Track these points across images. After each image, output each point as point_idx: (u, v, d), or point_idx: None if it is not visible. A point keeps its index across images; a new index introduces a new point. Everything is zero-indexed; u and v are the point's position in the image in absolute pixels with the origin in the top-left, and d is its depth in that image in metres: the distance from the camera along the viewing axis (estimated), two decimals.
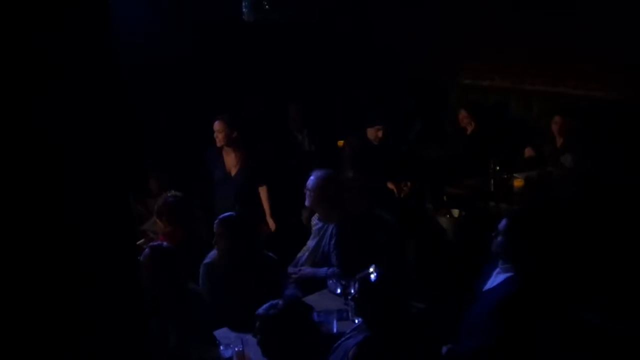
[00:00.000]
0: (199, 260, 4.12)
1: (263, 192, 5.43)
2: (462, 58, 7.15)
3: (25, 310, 1.53)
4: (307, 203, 4.53)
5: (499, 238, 3.49)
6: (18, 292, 1.52)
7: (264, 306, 2.99)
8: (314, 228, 4.62)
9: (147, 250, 3.83)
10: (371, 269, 3.17)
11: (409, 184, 5.82)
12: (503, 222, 3.53)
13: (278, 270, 4.20)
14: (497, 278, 3.54)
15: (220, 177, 5.54)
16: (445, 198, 5.91)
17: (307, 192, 4.50)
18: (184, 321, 3.61)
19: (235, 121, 5.41)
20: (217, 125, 5.39)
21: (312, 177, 4.52)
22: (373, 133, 5.92)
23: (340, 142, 6.20)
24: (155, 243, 4.28)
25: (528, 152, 6.10)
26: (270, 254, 4.21)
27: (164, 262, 3.70)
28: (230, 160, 5.48)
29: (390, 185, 5.75)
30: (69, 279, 1.63)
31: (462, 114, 6.57)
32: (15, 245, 1.50)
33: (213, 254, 4.10)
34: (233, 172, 5.49)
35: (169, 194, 4.48)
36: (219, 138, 5.38)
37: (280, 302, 3.01)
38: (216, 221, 4.06)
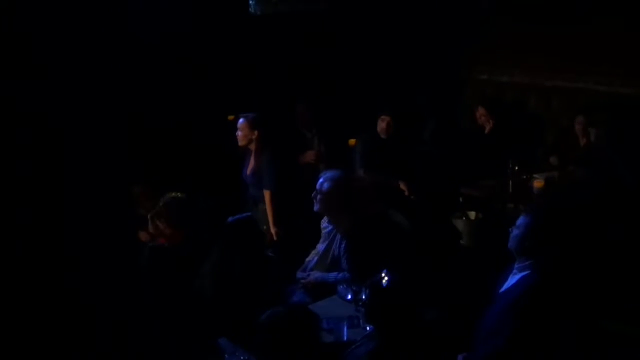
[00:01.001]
0: (201, 263, 4.14)
1: (267, 196, 5.44)
2: (479, 52, 7.14)
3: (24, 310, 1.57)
4: (316, 208, 4.52)
5: (516, 232, 3.48)
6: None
7: (265, 315, 2.94)
8: (324, 231, 4.63)
9: (146, 252, 3.86)
10: (383, 274, 3.16)
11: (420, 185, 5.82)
12: (521, 218, 3.53)
13: (279, 272, 4.21)
14: (512, 279, 3.54)
15: (242, 179, 5.61)
16: (461, 200, 5.90)
17: (317, 195, 4.49)
18: (185, 326, 3.63)
19: (259, 122, 5.42)
20: (238, 124, 5.44)
21: (322, 179, 4.51)
22: (379, 124, 5.94)
23: (352, 141, 6.20)
24: (155, 245, 4.31)
25: (553, 161, 6.08)
26: (271, 254, 4.22)
27: (164, 264, 3.72)
28: (251, 162, 5.52)
29: (402, 186, 5.75)
30: (66, 281, 1.66)
31: (480, 111, 6.55)
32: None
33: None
34: (248, 173, 5.56)
35: (168, 195, 4.48)
36: (239, 137, 5.44)
37: (283, 310, 2.98)
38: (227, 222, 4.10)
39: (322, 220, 4.68)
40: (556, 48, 6.57)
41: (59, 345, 3.74)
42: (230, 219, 4.17)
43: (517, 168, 5.79)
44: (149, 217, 4.50)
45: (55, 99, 5.41)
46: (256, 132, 5.42)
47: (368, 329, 3.63)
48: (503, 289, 3.57)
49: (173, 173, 6.08)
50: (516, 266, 3.54)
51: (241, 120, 5.47)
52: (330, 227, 4.56)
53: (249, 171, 5.57)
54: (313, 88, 6.84)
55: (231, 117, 6.47)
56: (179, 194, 4.50)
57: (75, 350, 3.52)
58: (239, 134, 5.47)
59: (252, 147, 5.48)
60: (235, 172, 5.88)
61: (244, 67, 6.80)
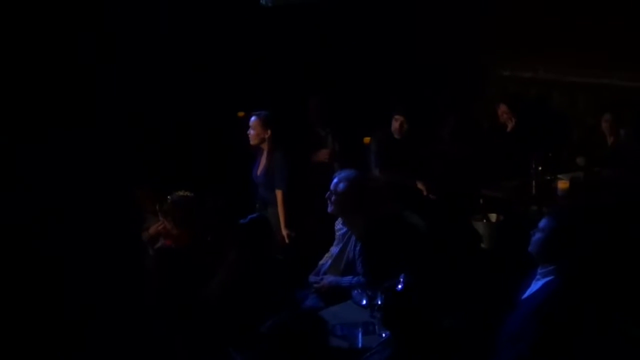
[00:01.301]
0: (209, 265, 4.15)
1: (278, 196, 5.44)
2: (502, 47, 7.11)
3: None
4: (329, 209, 4.52)
5: (538, 235, 3.46)
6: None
7: (269, 322, 2.96)
8: (337, 233, 4.63)
9: (152, 253, 3.88)
10: (399, 278, 3.16)
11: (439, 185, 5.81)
12: (544, 220, 3.51)
13: (289, 276, 4.22)
14: (535, 285, 3.53)
15: (251, 179, 5.65)
16: (481, 201, 5.88)
17: (331, 196, 4.49)
18: (192, 331, 3.64)
19: (272, 120, 5.43)
20: (250, 122, 5.45)
21: (336, 179, 4.51)
22: (393, 124, 5.94)
23: (367, 139, 6.20)
24: (161, 246, 4.33)
25: (580, 161, 6.05)
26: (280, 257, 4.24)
27: (170, 266, 3.73)
28: (262, 161, 5.54)
29: (420, 185, 5.73)
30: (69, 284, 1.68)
31: (502, 108, 6.53)
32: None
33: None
34: (259, 173, 5.57)
35: (175, 194, 4.50)
36: (251, 136, 5.46)
37: (287, 317, 2.97)
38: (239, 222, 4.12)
39: (336, 222, 4.68)
40: (582, 42, 6.53)
41: (60, 349, 3.77)
42: (243, 219, 4.18)
43: (540, 168, 5.76)
44: (159, 213, 4.52)
45: (54, 97, 5.44)
46: (269, 131, 5.42)
47: (383, 335, 3.63)
48: (526, 295, 3.56)
49: (178, 172, 6.11)
50: (539, 271, 3.53)
51: (253, 118, 5.48)
52: (345, 229, 4.56)
53: (259, 171, 5.58)
54: (327, 84, 6.84)
55: (241, 114, 6.50)
56: (187, 192, 4.51)
57: (78, 354, 3.55)
58: (251, 132, 5.48)
59: (264, 146, 5.49)
60: (243, 171, 5.89)
61: (255, 62, 6.82)
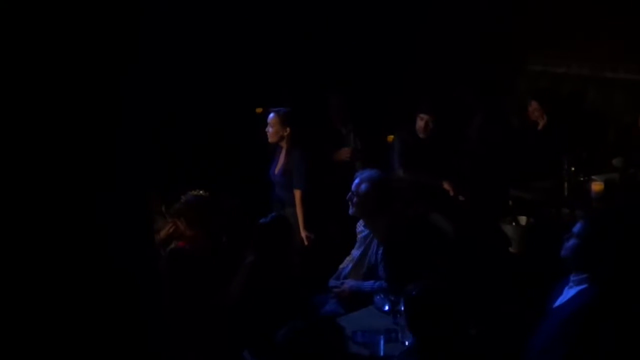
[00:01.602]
0: (225, 267, 4.16)
1: (297, 196, 5.45)
2: (533, 40, 7.07)
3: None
4: (351, 211, 4.52)
5: (572, 241, 3.43)
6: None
7: (284, 329, 2.93)
8: (359, 236, 4.63)
9: (165, 255, 3.89)
10: (423, 283, 3.15)
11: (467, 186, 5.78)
12: (578, 224, 3.47)
13: (303, 279, 4.23)
14: (568, 293, 3.50)
15: (268, 178, 5.68)
16: (510, 203, 5.85)
17: (352, 197, 4.49)
18: (207, 335, 3.65)
19: (292, 117, 5.45)
20: (269, 119, 5.47)
21: (357, 179, 4.51)
22: (418, 122, 5.92)
23: (391, 137, 6.19)
24: (174, 247, 4.34)
25: (616, 162, 5.99)
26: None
27: (185, 268, 3.74)
28: (280, 159, 5.55)
29: (445, 186, 5.71)
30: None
31: (533, 105, 6.49)
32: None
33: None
34: (276, 172, 5.58)
35: (189, 193, 4.51)
36: (269, 133, 5.47)
37: (303, 324, 2.96)
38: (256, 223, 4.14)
39: (357, 224, 4.68)
40: (619, 36, 6.47)
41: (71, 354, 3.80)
42: (264, 219, 4.19)
43: (573, 168, 5.72)
44: (167, 214, 4.53)
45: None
46: (288, 129, 5.43)
47: (406, 343, 3.62)
48: (557, 303, 3.53)
49: (190, 170, 6.14)
50: (572, 278, 3.49)
51: (271, 115, 5.49)
52: (366, 232, 4.56)
53: (277, 170, 5.59)
54: (348, 79, 6.84)
55: (259, 110, 6.51)
56: (201, 191, 4.52)
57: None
58: (269, 129, 5.48)
59: (283, 144, 5.50)
60: (260, 170, 5.90)
61: (273, 56, 6.82)
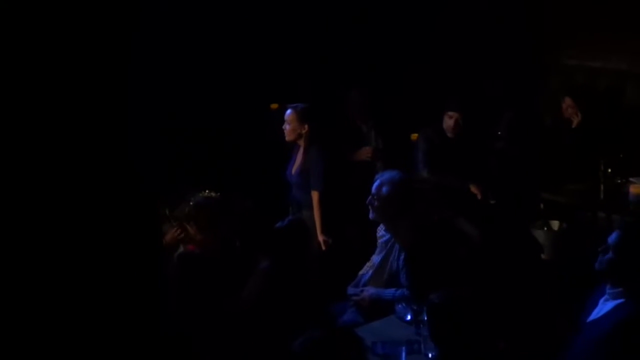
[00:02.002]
0: (238, 273, 4.19)
1: (314, 198, 5.46)
2: (567, 31, 7.04)
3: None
4: (371, 215, 4.54)
5: (608, 254, 3.41)
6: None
7: (301, 339, 2.93)
8: (379, 240, 4.64)
9: (174, 260, 3.92)
10: (445, 291, 3.16)
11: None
12: (614, 235, 3.45)
13: (321, 287, 4.24)
14: (604, 306, 3.48)
15: (284, 179, 5.73)
16: (542, 206, 5.83)
17: (372, 200, 4.50)
18: (219, 345, 3.67)
19: (310, 114, 5.48)
20: (286, 116, 5.52)
21: (378, 181, 4.52)
22: (446, 121, 5.91)
23: (414, 136, 6.18)
24: (183, 252, 4.37)
25: None
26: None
27: (195, 273, 3.77)
28: (297, 159, 5.58)
29: (473, 189, 5.71)
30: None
31: (567, 102, 6.47)
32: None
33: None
34: (293, 172, 5.61)
35: (199, 195, 4.53)
36: (286, 131, 5.52)
37: (320, 334, 2.96)
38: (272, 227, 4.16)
39: (378, 228, 4.69)
40: None
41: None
42: (280, 222, 4.21)
43: (610, 170, 5.70)
44: (172, 218, 4.56)
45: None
46: (306, 126, 5.45)
47: (430, 355, 3.63)
48: (592, 317, 3.51)
49: (199, 170, 6.17)
50: (608, 290, 3.46)
51: (289, 111, 5.52)
52: (388, 236, 4.57)
53: (294, 170, 5.62)
54: (370, 74, 6.84)
55: (274, 106, 6.53)
56: (212, 193, 4.54)
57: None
58: (286, 127, 5.51)
59: (301, 142, 5.52)
60: (275, 170, 5.93)
61: (289, 48, 6.84)
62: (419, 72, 7.15)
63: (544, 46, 7.17)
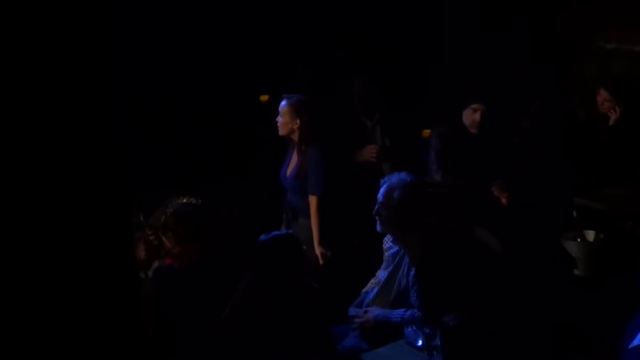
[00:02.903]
0: (223, 290, 4.21)
1: (312, 204, 5.48)
2: (605, 9, 7.05)
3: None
4: (378, 227, 4.56)
5: None
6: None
7: None
8: (386, 253, 4.66)
9: (151, 274, 3.93)
10: (461, 313, 3.19)
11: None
12: None
13: (318, 307, 4.25)
14: None
15: (278, 181, 5.77)
16: (575, 214, 5.84)
17: (379, 207, 4.52)
18: None
19: (305, 106, 5.53)
20: (280, 108, 5.61)
21: (385, 185, 4.54)
22: (470, 115, 5.89)
23: (426, 132, 6.20)
24: (160, 266, 4.39)
25: None
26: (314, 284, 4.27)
27: (173, 290, 3.78)
28: (292, 158, 5.62)
29: (496, 192, 5.72)
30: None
31: (603, 95, 6.48)
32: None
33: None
34: (288, 173, 5.64)
35: (177, 202, 4.53)
36: (279, 124, 5.61)
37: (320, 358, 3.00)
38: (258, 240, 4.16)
39: (385, 239, 4.71)
40: None
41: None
42: (263, 236, 4.22)
43: None
44: (147, 226, 4.57)
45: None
46: (298, 121, 5.49)
47: None
48: (635, 343, 3.53)
49: (178, 171, 6.18)
50: None
51: (283, 103, 5.56)
52: (396, 248, 4.60)
53: (289, 171, 5.64)
54: (375, 61, 6.85)
55: (264, 98, 6.54)
56: (191, 199, 4.55)
57: None
58: (279, 119, 5.55)
59: (295, 138, 5.55)
60: (267, 171, 5.94)
61: (283, 30, 6.86)
62: (433, 57, 7.17)
63: (577, 26, 7.18)
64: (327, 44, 6.92)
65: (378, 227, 4.58)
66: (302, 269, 4.30)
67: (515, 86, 7.13)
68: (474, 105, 5.81)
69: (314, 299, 4.23)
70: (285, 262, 4.15)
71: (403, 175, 4.62)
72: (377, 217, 4.56)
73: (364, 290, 4.73)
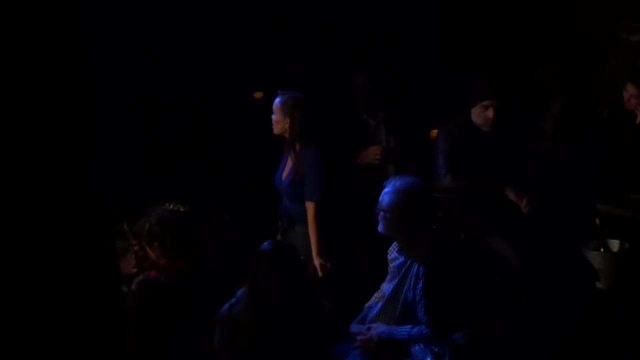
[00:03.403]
0: (212, 307, 4.20)
1: (310, 211, 5.48)
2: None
3: None
4: (380, 228, 4.56)
5: None
6: None
7: None
8: (391, 264, 4.66)
9: (135, 288, 3.93)
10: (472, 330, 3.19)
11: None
12: None
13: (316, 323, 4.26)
14: None
15: (273, 185, 5.77)
16: (598, 221, 5.84)
17: (382, 213, 4.52)
18: None
19: (300, 103, 5.54)
20: (274, 105, 5.62)
21: (388, 189, 4.54)
22: (481, 113, 5.87)
23: (435, 132, 6.19)
24: (144, 279, 4.39)
25: None
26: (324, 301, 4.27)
27: (158, 305, 3.78)
28: (288, 161, 5.64)
29: (511, 196, 5.71)
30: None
31: (629, 91, 6.49)
32: None
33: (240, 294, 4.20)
34: (283, 177, 5.63)
35: (162, 208, 4.53)
36: (274, 123, 5.62)
37: None
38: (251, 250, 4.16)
39: (390, 249, 4.71)
40: None
41: None
42: (265, 244, 4.22)
43: None
44: (131, 235, 4.57)
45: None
46: (288, 120, 5.50)
47: None
48: None
49: (164, 175, 6.17)
50: None
51: (277, 100, 5.56)
52: (402, 259, 4.59)
53: (284, 175, 5.63)
54: (379, 52, 6.86)
55: (258, 94, 6.55)
56: (178, 205, 4.55)
57: None
58: (273, 117, 5.56)
59: (288, 135, 5.55)
60: (261, 175, 5.94)
61: (277, 21, 6.87)
62: (442, 50, 7.17)
63: (601, 16, 7.19)
64: (324, 36, 6.93)
65: (380, 227, 4.57)
66: (304, 283, 4.29)
67: (533, 83, 7.14)
68: (485, 102, 5.78)
69: (320, 318, 4.23)
70: (286, 272, 4.15)
71: (409, 178, 4.62)
72: (379, 218, 4.55)
73: (366, 305, 4.72)
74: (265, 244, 4.25)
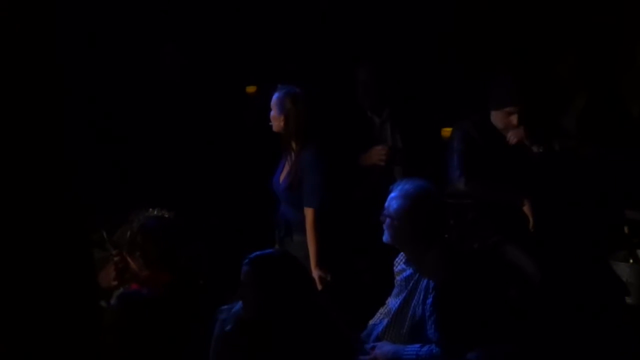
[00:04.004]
0: (200, 323, 4.21)
1: (308, 218, 5.48)
2: None
3: None
4: (386, 237, 4.56)
5: None
6: None
7: None
8: (398, 277, 4.66)
9: (114, 302, 3.93)
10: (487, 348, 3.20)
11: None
12: None
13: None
14: None
15: (270, 189, 5.80)
16: (626, 230, 5.85)
17: (388, 220, 4.53)
18: None
19: (299, 99, 5.58)
20: (272, 101, 5.66)
21: (395, 194, 4.55)
22: (503, 118, 5.87)
23: (446, 131, 6.20)
24: (127, 292, 4.39)
25: None
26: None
27: (140, 321, 3.79)
28: (286, 164, 5.68)
29: (526, 209, 5.72)
30: None
31: None
32: None
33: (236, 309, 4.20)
34: (281, 180, 5.68)
35: (145, 214, 4.53)
36: (272, 120, 5.66)
37: None
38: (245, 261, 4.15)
39: (396, 260, 4.72)
40: None
41: None
42: (257, 253, 4.22)
43: None
44: (111, 244, 4.58)
45: None
46: (282, 116, 5.51)
47: None
48: None
49: (147, 178, 6.19)
50: None
51: (275, 96, 5.57)
52: (409, 271, 4.60)
53: (281, 178, 5.64)
54: (384, 45, 6.87)
55: (251, 89, 6.56)
56: (163, 211, 4.56)
57: None
58: (271, 114, 5.58)
59: (283, 133, 5.56)
60: (257, 178, 5.95)
61: (276, 12, 6.89)
62: (454, 42, 7.19)
63: (626, 8, 7.21)
64: (327, 24, 6.96)
65: (385, 237, 4.58)
66: (302, 293, 4.27)
67: (555, 79, 7.15)
68: (509, 109, 5.76)
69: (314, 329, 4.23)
70: (280, 285, 4.14)
71: (418, 182, 4.62)
72: (384, 226, 4.56)
73: (371, 322, 4.73)
74: (258, 253, 4.24)
